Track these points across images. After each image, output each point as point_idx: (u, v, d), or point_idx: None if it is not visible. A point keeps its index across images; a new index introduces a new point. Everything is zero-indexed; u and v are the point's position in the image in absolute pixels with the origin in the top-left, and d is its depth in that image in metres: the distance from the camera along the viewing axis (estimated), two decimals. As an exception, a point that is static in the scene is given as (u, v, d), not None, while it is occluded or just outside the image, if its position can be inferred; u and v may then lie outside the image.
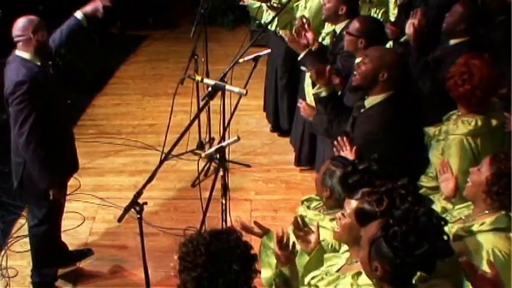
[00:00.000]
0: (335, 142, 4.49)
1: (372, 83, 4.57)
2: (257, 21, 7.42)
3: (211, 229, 2.98)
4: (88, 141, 7.66)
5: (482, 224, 3.39)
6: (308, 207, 4.12)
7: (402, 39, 5.60)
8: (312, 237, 3.54)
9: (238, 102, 5.10)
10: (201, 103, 6.97)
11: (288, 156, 7.39)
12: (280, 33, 6.94)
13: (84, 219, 6.33)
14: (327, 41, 6.04)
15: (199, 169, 6.66)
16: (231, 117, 5.19)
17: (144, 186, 4.02)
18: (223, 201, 4.69)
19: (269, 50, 5.84)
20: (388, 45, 5.65)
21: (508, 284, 3.13)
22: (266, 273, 3.65)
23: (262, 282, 3.62)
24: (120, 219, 3.99)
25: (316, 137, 6.50)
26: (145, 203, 4.00)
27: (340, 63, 5.41)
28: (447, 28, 5.21)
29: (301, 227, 3.56)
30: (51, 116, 4.90)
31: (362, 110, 4.63)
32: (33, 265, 5.47)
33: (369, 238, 2.82)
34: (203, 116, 7.18)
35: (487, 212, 3.45)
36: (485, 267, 3.02)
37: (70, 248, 5.76)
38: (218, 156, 4.43)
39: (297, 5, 6.83)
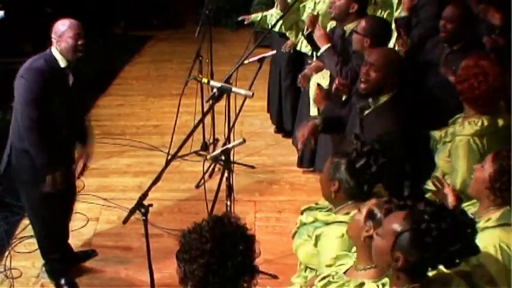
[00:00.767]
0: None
1: (380, 89, 4.61)
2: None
3: (210, 216, 3.05)
4: (92, 142, 7.66)
5: (488, 220, 3.42)
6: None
7: None
8: None
9: (243, 103, 5.08)
10: (206, 105, 7.04)
11: (292, 157, 7.38)
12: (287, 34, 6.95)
13: (88, 220, 6.31)
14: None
15: (204, 170, 6.70)
16: (236, 118, 5.16)
17: (149, 188, 4.01)
18: (228, 203, 4.68)
19: (274, 51, 5.84)
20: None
21: None
22: (306, 248, 3.73)
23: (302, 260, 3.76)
24: (125, 221, 3.98)
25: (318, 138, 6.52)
26: (151, 205, 3.98)
27: (354, 63, 5.41)
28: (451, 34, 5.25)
29: None
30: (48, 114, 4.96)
31: (367, 112, 4.64)
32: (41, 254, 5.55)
33: (394, 229, 2.83)
34: (207, 116, 7.18)
35: (491, 208, 3.47)
36: (493, 263, 3.18)
37: (74, 249, 5.76)
38: (223, 157, 4.41)
39: (304, 5, 6.83)
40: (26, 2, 8.63)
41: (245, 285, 2.95)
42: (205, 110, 7.24)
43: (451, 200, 3.86)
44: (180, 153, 7.06)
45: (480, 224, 3.39)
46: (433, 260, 2.81)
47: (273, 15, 7.30)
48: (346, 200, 3.73)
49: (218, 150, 4.46)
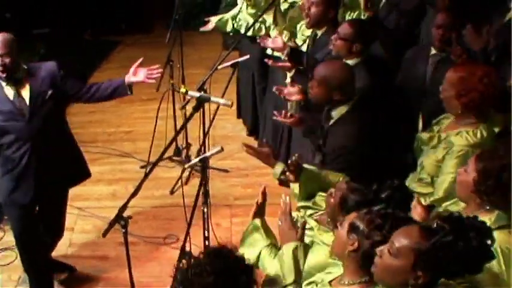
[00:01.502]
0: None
1: (328, 102, 4.64)
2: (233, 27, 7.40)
3: (206, 249, 3.07)
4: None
5: None
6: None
7: None
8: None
9: (216, 110, 5.08)
10: (178, 110, 7.00)
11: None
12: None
13: (63, 230, 6.24)
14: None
15: (179, 176, 6.67)
16: (210, 125, 5.15)
17: (128, 200, 3.98)
18: (205, 210, 4.67)
19: (247, 56, 5.83)
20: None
21: None
22: (251, 253, 3.82)
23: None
24: (104, 234, 3.94)
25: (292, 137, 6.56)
26: (130, 217, 3.96)
27: None
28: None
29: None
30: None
31: (330, 123, 4.71)
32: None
33: (412, 248, 2.78)
34: (179, 121, 7.17)
35: (480, 211, 3.42)
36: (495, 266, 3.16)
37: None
38: (200, 164, 4.40)
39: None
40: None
41: None
42: (177, 115, 7.22)
43: (419, 212, 3.82)
44: (152, 159, 7.11)
45: None
46: (457, 273, 2.78)
47: (240, 19, 7.27)
48: None
49: (196, 159, 4.44)
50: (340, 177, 4.18)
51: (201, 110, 5.71)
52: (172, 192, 6.78)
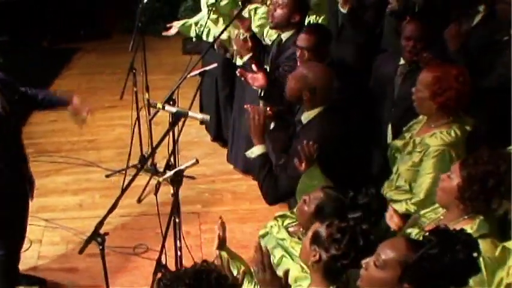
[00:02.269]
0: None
1: (299, 101, 4.68)
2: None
3: (186, 270, 2.92)
4: (27, 161, 7.50)
5: None
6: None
7: None
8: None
9: (185, 120, 5.07)
10: (143, 118, 6.97)
11: (232, 165, 7.39)
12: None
13: (31, 242, 6.12)
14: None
15: (145, 184, 6.66)
16: (178, 135, 5.14)
17: (105, 217, 4.00)
18: (177, 220, 4.66)
19: (215, 64, 5.83)
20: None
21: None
22: None
23: None
24: (81, 251, 3.91)
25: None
26: (107, 234, 3.95)
27: (283, 71, 5.46)
28: None
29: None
30: None
31: (301, 126, 4.72)
32: None
33: (398, 260, 2.79)
34: (142, 128, 7.14)
35: (464, 218, 3.45)
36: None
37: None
38: (173, 177, 4.39)
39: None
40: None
41: None
42: (141, 121, 7.17)
43: (396, 221, 3.88)
44: (119, 168, 7.09)
45: None
46: (443, 286, 2.76)
47: (202, 24, 7.26)
48: None
49: (171, 172, 4.41)
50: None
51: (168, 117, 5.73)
52: (139, 200, 6.73)
